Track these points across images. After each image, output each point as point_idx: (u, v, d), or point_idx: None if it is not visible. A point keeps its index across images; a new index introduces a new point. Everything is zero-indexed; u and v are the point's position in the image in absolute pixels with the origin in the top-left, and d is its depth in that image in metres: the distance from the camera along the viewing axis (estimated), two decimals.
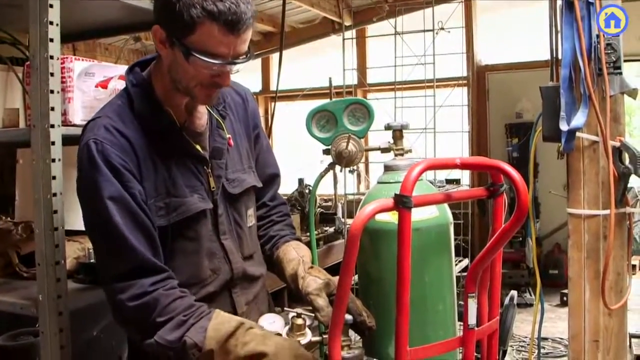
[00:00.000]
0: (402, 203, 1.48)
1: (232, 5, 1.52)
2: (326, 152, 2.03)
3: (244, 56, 1.63)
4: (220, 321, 1.58)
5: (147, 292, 1.58)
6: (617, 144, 2.24)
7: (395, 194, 1.48)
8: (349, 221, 5.21)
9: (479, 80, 7.98)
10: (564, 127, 2.23)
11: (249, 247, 1.90)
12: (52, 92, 1.86)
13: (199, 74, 1.61)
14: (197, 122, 1.80)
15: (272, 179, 2.08)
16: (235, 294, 1.86)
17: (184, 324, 1.57)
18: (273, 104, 6.15)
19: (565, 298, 6.15)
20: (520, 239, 6.77)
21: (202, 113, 1.82)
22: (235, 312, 1.82)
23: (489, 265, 1.76)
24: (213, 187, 1.79)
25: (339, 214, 5.33)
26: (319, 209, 5.63)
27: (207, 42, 1.54)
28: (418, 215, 1.72)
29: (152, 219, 1.64)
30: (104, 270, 1.67)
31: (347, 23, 7.57)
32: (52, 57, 1.86)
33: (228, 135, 1.83)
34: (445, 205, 1.86)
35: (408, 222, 1.48)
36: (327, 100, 5.03)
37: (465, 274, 5.80)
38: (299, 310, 1.75)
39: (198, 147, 1.76)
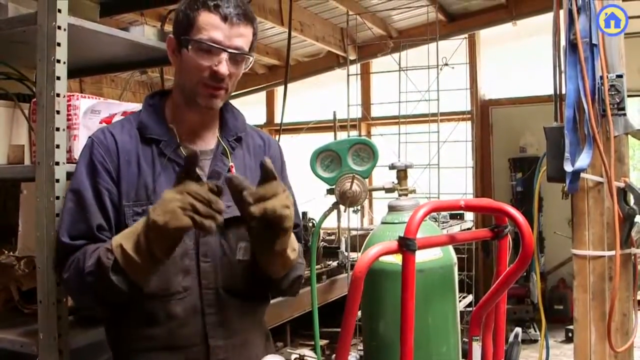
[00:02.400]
0: (406, 246, 1.47)
1: (227, 2, 1.72)
2: (330, 191, 2.02)
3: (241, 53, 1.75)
4: (127, 229, 1.64)
5: (75, 258, 1.67)
6: (622, 184, 2.24)
7: (400, 237, 1.48)
8: (353, 255, 5.19)
9: (483, 115, 8.01)
10: (568, 167, 2.23)
11: (235, 280, 1.81)
12: (57, 129, 1.86)
13: (199, 65, 1.72)
14: (199, 144, 1.84)
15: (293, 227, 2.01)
16: (211, 326, 1.77)
17: (99, 248, 1.63)
18: (278, 136, 6.17)
19: (570, 334, 6.10)
20: (525, 274, 6.72)
21: (211, 139, 1.87)
22: (207, 348, 1.75)
23: (493, 306, 1.75)
24: None
25: (343, 248, 5.31)
26: (322, 242, 5.61)
27: (204, 29, 1.70)
28: (422, 256, 1.72)
29: (109, 215, 1.73)
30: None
31: (352, 57, 7.63)
32: (58, 95, 1.86)
33: (231, 164, 1.85)
34: (450, 245, 1.85)
35: (412, 264, 1.48)
36: (331, 134, 5.00)
37: (469, 309, 5.78)
38: (303, 351, 1.74)
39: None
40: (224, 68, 1.72)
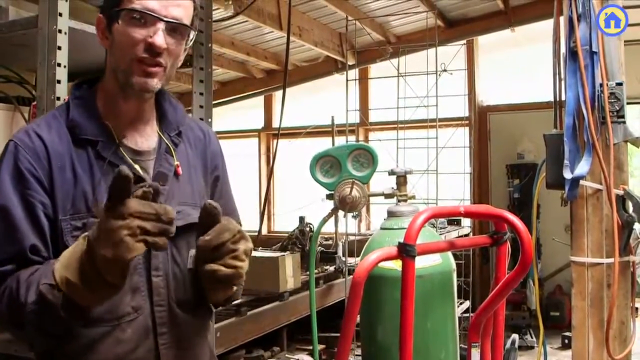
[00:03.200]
0: (405, 252, 1.48)
1: None
2: (329, 197, 2.02)
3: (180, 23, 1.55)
4: (64, 254, 1.37)
5: (9, 286, 1.43)
6: (621, 192, 2.24)
7: (399, 243, 1.48)
8: (350, 260, 5.19)
9: (481, 121, 8.02)
10: (567, 175, 2.23)
11: (186, 292, 1.63)
12: None
13: (132, 39, 1.51)
14: (140, 141, 1.63)
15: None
16: (164, 346, 1.59)
17: (40, 277, 1.38)
18: (275, 141, 6.18)
19: (567, 340, 6.09)
20: (522, 280, 6.72)
21: (150, 134, 1.66)
22: None
23: (492, 313, 1.75)
24: None
25: (340, 253, 5.31)
26: (319, 247, 5.61)
27: None
28: (421, 262, 1.72)
29: (44, 231, 1.50)
30: None
31: (351, 62, 7.64)
32: (58, 99, 1.87)
33: (176, 163, 1.66)
34: (449, 252, 1.86)
35: (412, 270, 1.48)
36: (329, 138, 5.00)
37: (466, 315, 5.77)
38: (300, 356, 1.73)
39: (137, 167, 1.58)
40: (160, 39, 1.51)
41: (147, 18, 1.50)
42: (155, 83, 1.56)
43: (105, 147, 1.55)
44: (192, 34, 1.59)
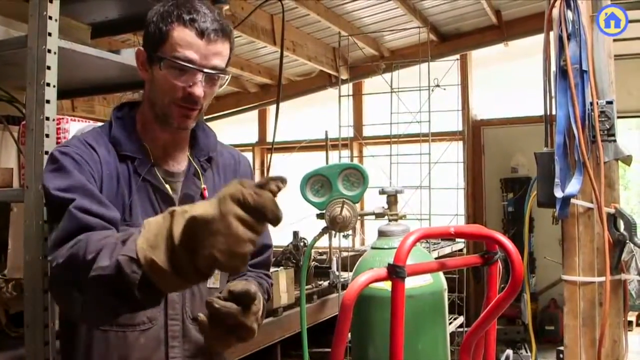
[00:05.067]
0: (395, 273, 1.47)
1: (203, 15, 1.60)
2: (320, 216, 2.01)
3: (219, 72, 1.65)
4: (148, 228, 1.25)
5: (79, 240, 1.39)
6: (612, 210, 2.24)
7: (389, 264, 1.48)
8: (344, 275, 5.18)
9: (475, 135, 8.04)
10: (558, 193, 2.23)
11: (202, 309, 1.61)
12: (46, 153, 1.84)
13: (172, 86, 1.62)
14: (172, 163, 1.76)
15: (263, 249, 1.96)
16: (173, 359, 1.66)
17: (116, 246, 1.29)
18: (269, 155, 6.17)
19: (561, 355, 6.07)
20: (517, 294, 6.71)
21: (182, 159, 1.78)
22: None
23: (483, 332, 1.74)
24: None
25: (334, 267, 5.30)
26: (313, 262, 5.59)
27: (178, 45, 1.58)
28: (412, 282, 1.71)
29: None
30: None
31: (344, 77, 7.65)
32: (48, 119, 1.85)
33: (203, 186, 1.77)
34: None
35: (401, 291, 1.47)
36: (323, 153, 4.99)
37: (461, 329, 5.75)
38: None
39: (167, 186, 1.71)
40: (199, 90, 1.61)
41: (187, 69, 1.59)
42: (191, 122, 1.70)
43: (141, 164, 1.68)
44: (227, 77, 1.70)
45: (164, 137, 1.73)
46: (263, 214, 1.14)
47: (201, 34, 1.59)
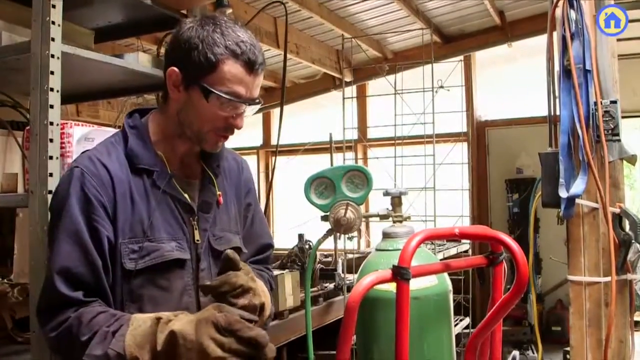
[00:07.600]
0: (400, 275, 1.47)
1: (251, 47, 1.61)
2: (324, 218, 2.01)
3: (257, 103, 1.68)
4: (135, 326, 1.48)
5: (68, 318, 1.52)
6: (617, 210, 2.24)
7: (394, 266, 1.47)
8: (349, 277, 5.17)
9: (479, 136, 8.02)
10: (563, 194, 2.22)
11: None
12: (51, 158, 1.85)
13: (215, 115, 1.63)
14: (187, 172, 1.78)
15: (265, 248, 2.02)
16: None
17: (107, 335, 1.47)
18: (274, 158, 6.17)
19: (568, 356, 6.05)
20: (522, 295, 6.69)
21: (196, 167, 1.81)
22: None
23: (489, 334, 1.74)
24: (197, 240, 1.72)
25: (339, 270, 5.29)
26: (318, 264, 5.59)
27: (228, 81, 1.60)
28: (417, 284, 1.71)
29: (105, 256, 1.59)
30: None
31: (348, 79, 7.65)
32: (52, 124, 1.86)
33: (219, 192, 1.81)
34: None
35: (406, 293, 1.47)
36: (327, 155, 5.00)
37: (467, 331, 5.74)
38: None
39: (186, 195, 1.73)
40: (242, 122, 1.67)
41: (233, 103, 1.62)
42: (221, 146, 1.76)
43: (160, 176, 1.69)
44: (261, 104, 1.70)
45: (183, 149, 1.76)
46: (237, 337, 1.43)
47: (251, 69, 1.61)
